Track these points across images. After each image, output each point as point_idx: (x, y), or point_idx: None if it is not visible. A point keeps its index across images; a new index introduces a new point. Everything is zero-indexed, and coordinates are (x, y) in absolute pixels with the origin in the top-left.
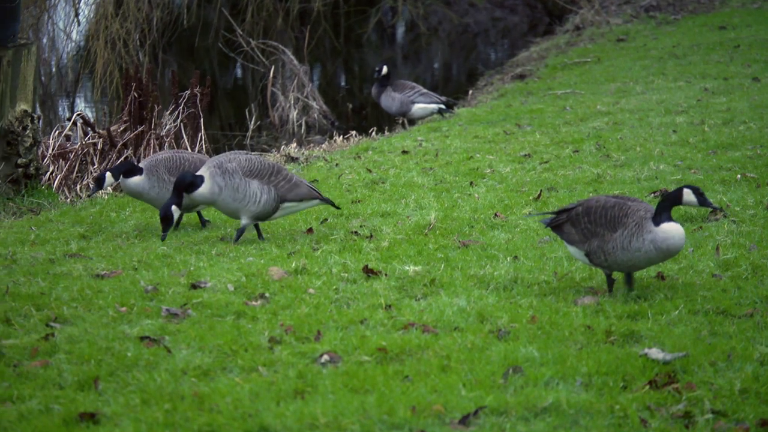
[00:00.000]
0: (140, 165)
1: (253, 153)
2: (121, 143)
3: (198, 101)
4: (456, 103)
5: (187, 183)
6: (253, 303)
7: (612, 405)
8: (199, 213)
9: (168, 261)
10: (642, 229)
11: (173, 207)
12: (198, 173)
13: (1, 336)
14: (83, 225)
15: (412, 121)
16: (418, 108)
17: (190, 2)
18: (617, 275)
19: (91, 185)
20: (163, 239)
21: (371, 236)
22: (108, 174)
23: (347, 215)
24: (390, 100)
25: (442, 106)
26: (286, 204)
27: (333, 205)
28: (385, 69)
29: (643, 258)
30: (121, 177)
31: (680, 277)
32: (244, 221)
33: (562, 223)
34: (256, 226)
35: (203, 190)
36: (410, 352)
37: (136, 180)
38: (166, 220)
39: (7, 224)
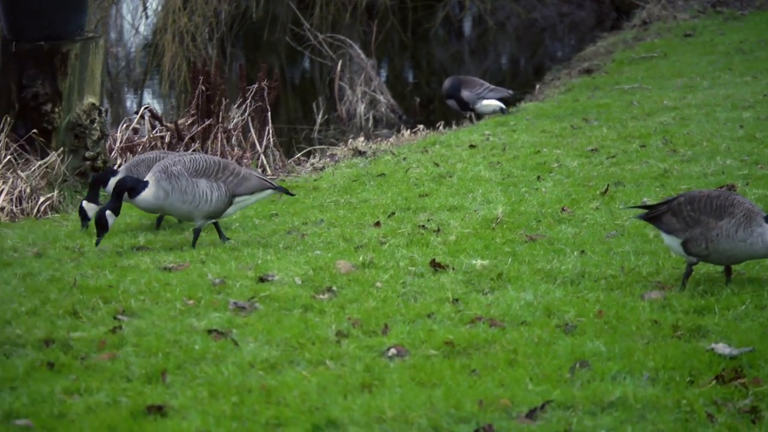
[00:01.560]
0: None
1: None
2: (188, 136)
3: (265, 95)
4: (522, 97)
5: (128, 187)
6: (321, 296)
7: (679, 400)
8: (217, 226)
9: (235, 254)
10: (751, 221)
11: (108, 212)
12: (145, 179)
13: (68, 328)
14: (151, 218)
15: (479, 116)
16: (485, 104)
17: None
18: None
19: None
20: (96, 244)
21: (438, 230)
22: (84, 203)
23: (414, 209)
24: (457, 100)
25: (503, 106)
26: (238, 198)
27: (287, 192)
28: (447, 82)
29: (746, 250)
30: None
31: (746, 272)
32: (198, 222)
33: (661, 213)
34: (216, 226)
35: (146, 195)
36: (477, 346)
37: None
38: (100, 224)
39: (75, 217)
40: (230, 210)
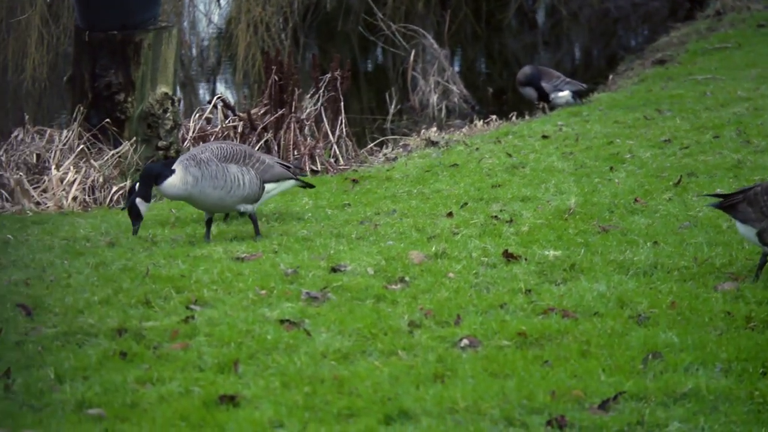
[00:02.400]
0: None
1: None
2: (261, 126)
3: (338, 85)
4: (595, 89)
5: (154, 174)
6: (393, 287)
7: (752, 391)
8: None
9: (308, 244)
10: None
11: (138, 200)
12: (172, 167)
13: (141, 318)
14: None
15: (552, 106)
16: (560, 96)
17: None
18: None
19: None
20: (134, 233)
21: (511, 221)
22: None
23: (487, 200)
24: (532, 90)
25: (578, 96)
26: (267, 186)
27: (309, 185)
28: (528, 69)
29: None
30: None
31: None
32: (242, 209)
33: (737, 202)
34: (208, 225)
35: (173, 180)
36: (550, 337)
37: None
38: (133, 214)
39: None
40: (261, 198)
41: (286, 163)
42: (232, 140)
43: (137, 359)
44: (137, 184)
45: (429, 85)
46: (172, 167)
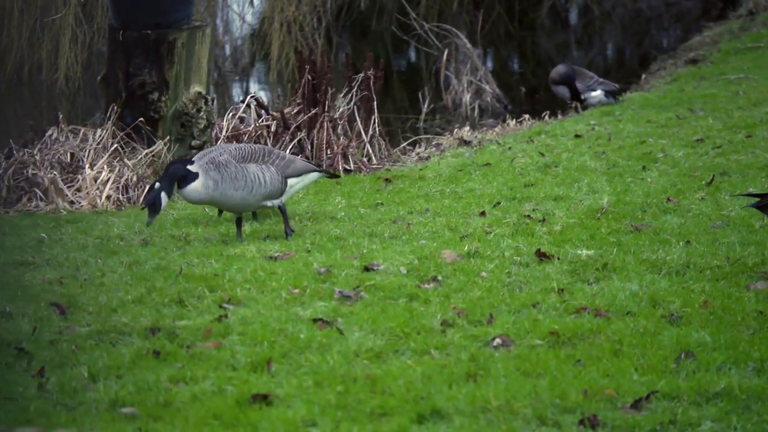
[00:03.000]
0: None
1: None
2: (294, 126)
3: (371, 84)
4: (627, 88)
5: (180, 175)
6: (426, 286)
7: None
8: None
9: (341, 243)
10: None
11: (163, 193)
12: (192, 170)
13: (174, 317)
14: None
15: (584, 106)
16: (593, 95)
17: None
18: None
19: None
20: (148, 225)
21: (544, 220)
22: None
23: (520, 199)
24: (565, 89)
25: (611, 96)
26: (289, 181)
27: (333, 175)
28: (562, 68)
29: None
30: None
31: None
32: (269, 204)
33: None
34: (238, 225)
35: (196, 185)
36: (582, 336)
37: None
38: (153, 206)
39: (181, 205)
40: (285, 194)
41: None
42: (265, 140)
43: (170, 358)
44: (157, 183)
45: (462, 84)
46: (193, 170)
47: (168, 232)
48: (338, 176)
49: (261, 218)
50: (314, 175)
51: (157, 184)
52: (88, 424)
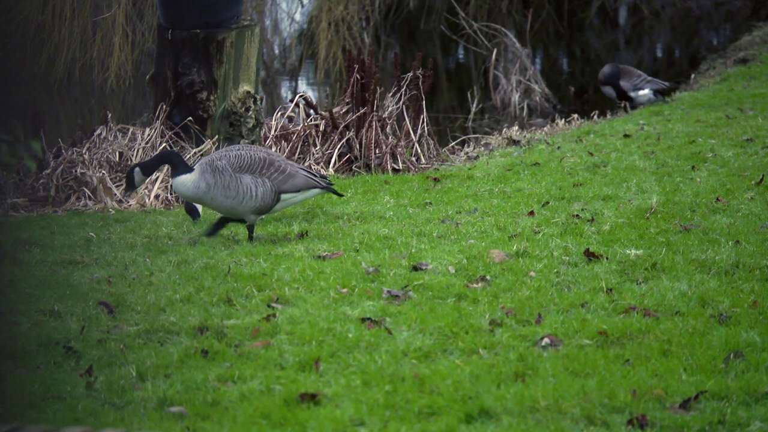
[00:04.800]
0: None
1: (250, 146)
2: (343, 125)
3: (420, 83)
4: (677, 87)
5: (175, 162)
6: (474, 285)
7: None
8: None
9: (389, 243)
10: None
11: (137, 169)
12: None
13: (222, 316)
14: (305, 206)
15: (633, 105)
16: (641, 95)
17: None
18: None
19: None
20: (123, 196)
21: (592, 219)
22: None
23: (568, 198)
24: (612, 89)
25: (660, 94)
26: (284, 196)
27: (336, 193)
28: (607, 68)
29: None
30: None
31: None
32: (249, 219)
33: None
34: (220, 223)
35: (186, 180)
36: (631, 336)
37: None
38: (127, 179)
39: None
40: (278, 206)
41: (309, 171)
42: (314, 139)
43: (219, 357)
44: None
45: (511, 84)
46: (193, 166)
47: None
48: (342, 195)
49: (309, 218)
50: (314, 191)
51: (136, 168)
52: (136, 423)
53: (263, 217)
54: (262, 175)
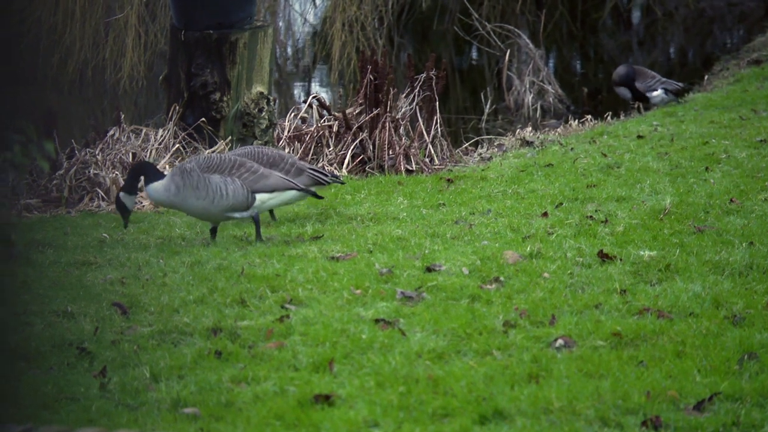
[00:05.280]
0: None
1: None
2: (356, 126)
3: (433, 84)
4: (691, 88)
5: (145, 171)
6: (488, 286)
7: None
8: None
9: (403, 244)
10: None
11: (122, 194)
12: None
13: (236, 317)
14: (318, 207)
15: (647, 106)
16: (655, 95)
17: None
18: None
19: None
20: (125, 226)
21: (606, 221)
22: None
23: (582, 200)
24: (626, 90)
25: (673, 95)
26: (259, 196)
27: (315, 195)
28: (622, 69)
29: None
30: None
31: None
32: (237, 216)
33: None
34: (212, 233)
35: (157, 186)
36: (645, 338)
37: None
38: (120, 207)
39: None
40: (255, 205)
41: (318, 170)
42: (327, 140)
43: (232, 358)
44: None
45: (524, 84)
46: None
47: (229, 233)
48: (321, 198)
49: (323, 219)
50: (293, 194)
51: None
52: (150, 425)
53: (251, 213)
54: (232, 174)
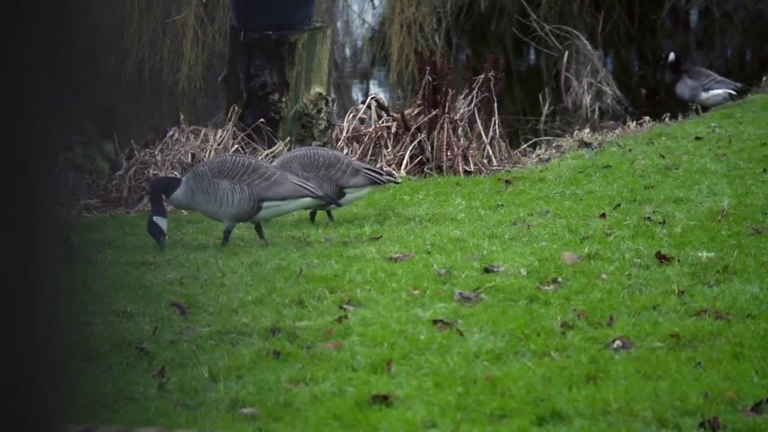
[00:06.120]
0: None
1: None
2: (414, 127)
3: (492, 85)
4: (749, 89)
5: (162, 187)
6: (546, 287)
7: None
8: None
9: (461, 245)
10: None
11: (155, 217)
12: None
13: (295, 318)
14: (377, 208)
15: (705, 108)
16: (712, 95)
17: None
18: None
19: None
20: (162, 248)
21: (664, 222)
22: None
23: (640, 201)
24: (684, 86)
25: (733, 92)
26: (267, 203)
27: (335, 202)
28: (672, 56)
29: None
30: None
31: None
32: (226, 224)
33: None
34: (257, 228)
35: (178, 193)
36: (702, 339)
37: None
38: (155, 232)
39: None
40: (263, 214)
41: (373, 170)
42: (386, 141)
43: (291, 359)
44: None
45: (582, 86)
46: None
47: (288, 233)
48: (341, 205)
49: (381, 219)
50: (305, 201)
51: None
52: (208, 425)
53: (234, 225)
54: (242, 181)
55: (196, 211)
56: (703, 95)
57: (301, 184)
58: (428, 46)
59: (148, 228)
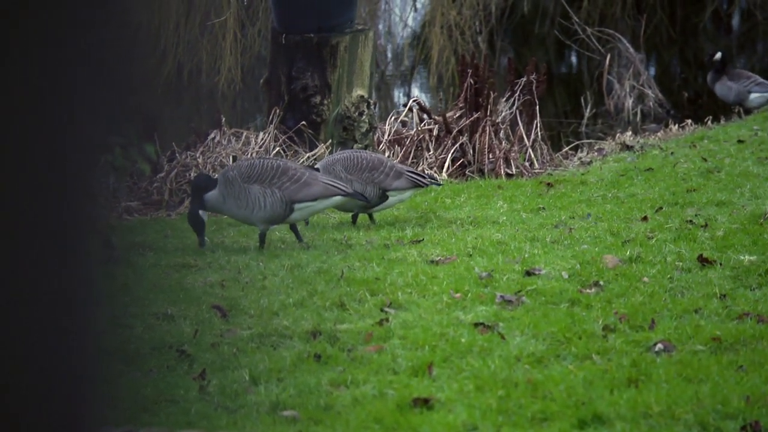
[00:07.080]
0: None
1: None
2: (456, 130)
3: (534, 88)
4: None
5: (203, 185)
6: (587, 291)
7: None
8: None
9: (502, 248)
10: None
11: (200, 211)
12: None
13: (335, 321)
14: (418, 210)
15: (747, 111)
16: (755, 97)
17: None
18: None
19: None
20: (202, 245)
21: (706, 225)
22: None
23: (682, 204)
24: (726, 89)
25: None
26: (299, 205)
27: (363, 199)
28: (719, 55)
29: None
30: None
31: None
32: (259, 227)
33: None
34: (293, 228)
35: (210, 196)
36: (744, 342)
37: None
38: (197, 224)
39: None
40: (295, 215)
41: (416, 173)
42: (427, 143)
43: (331, 362)
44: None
45: (624, 89)
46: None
47: (329, 236)
48: (368, 201)
49: (422, 222)
50: (336, 199)
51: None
52: (249, 427)
53: (268, 228)
54: (273, 184)
55: (224, 214)
56: (752, 96)
57: (331, 182)
58: (469, 49)
59: (189, 220)
